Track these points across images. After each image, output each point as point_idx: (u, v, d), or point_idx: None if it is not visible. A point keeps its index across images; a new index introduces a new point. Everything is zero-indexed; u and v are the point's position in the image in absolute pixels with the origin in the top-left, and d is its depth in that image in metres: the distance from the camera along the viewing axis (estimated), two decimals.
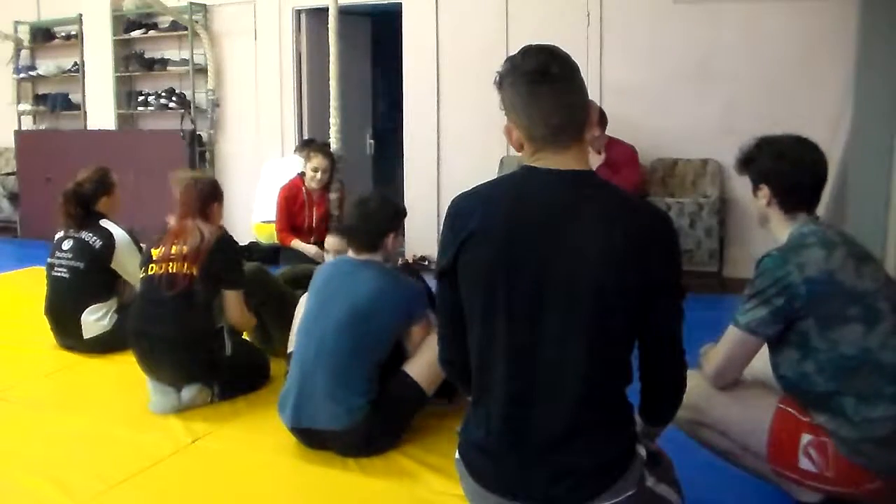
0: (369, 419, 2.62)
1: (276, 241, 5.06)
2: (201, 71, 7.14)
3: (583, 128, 1.63)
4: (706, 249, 5.11)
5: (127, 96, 7.63)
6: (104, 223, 3.88)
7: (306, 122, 6.91)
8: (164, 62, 7.44)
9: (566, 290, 1.54)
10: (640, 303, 1.55)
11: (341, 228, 3.48)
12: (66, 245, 3.85)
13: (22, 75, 8.08)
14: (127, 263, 3.78)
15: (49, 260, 3.91)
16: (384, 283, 2.74)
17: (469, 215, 1.62)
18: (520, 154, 1.66)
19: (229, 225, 4.21)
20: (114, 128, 7.55)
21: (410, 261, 3.29)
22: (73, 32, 7.86)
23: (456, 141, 6.19)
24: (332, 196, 4.98)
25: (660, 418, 1.75)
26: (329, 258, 3.95)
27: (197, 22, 7.05)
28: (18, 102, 8.10)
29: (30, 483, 2.56)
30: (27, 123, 8.17)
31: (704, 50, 5.36)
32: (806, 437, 2.07)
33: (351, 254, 2.86)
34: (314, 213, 4.97)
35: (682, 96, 5.43)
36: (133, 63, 7.55)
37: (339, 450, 2.68)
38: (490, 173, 4.69)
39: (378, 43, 7.40)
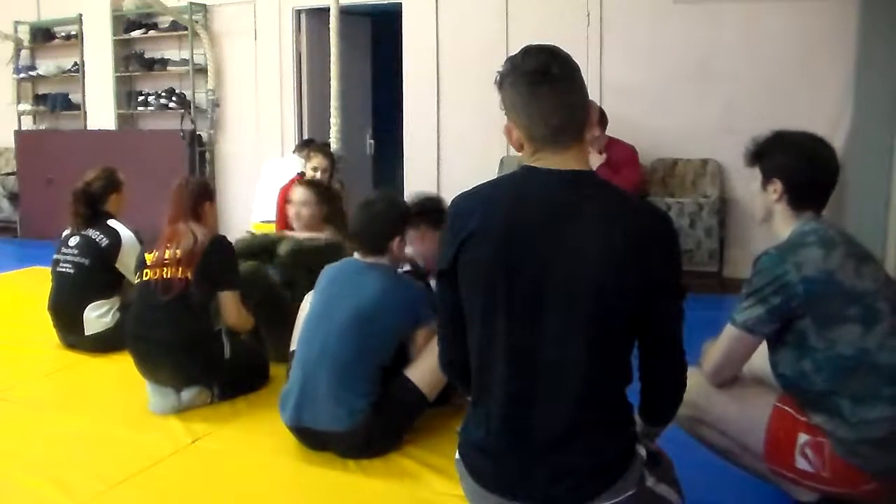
0: (370, 421, 2.61)
1: None
2: (201, 71, 7.14)
3: (583, 128, 1.63)
4: (706, 249, 5.11)
5: (127, 96, 7.63)
6: (112, 223, 3.93)
7: (306, 122, 6.91)
8: (164, 62, 7.44)
9: (566, 289, 1.54)
10: (640, 303, 1.55)
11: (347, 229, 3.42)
12: (73, 241, 3.89)
13: (22, 75, 8.08)
14: (131, 264, 3.78)
15: (55, 256, 3.94)
16: (389, 285, 2.72)
17: (469, 215, 1.62)
18: (520, 154, 1.66)
19: (229, 225, 4.24)
20: (114, 128, 7.56)
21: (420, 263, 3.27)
22: (73, 32, 7.87)
23: (456, 141, 6.20)
24: None
25: (660, 418, 1.75)
26: (295, 225, 3.93)
27: (197, 22, 7.05)
28: (18, 102, 8.10)
29: (30, 483, 2.55)
30: (27, 123, 8.17)
31: (704, 50, 5.36)
32: (803, 437, 2.07)
33: (357, 255, 2.84)
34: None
35: (682, 96, 5.43)
36: (133, 63, 7.56)
37: (338, 451, 2.67)
38: (490, 173, 4.69)
39: (378, 43, 7.40)
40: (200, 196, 3.24)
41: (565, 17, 5.65)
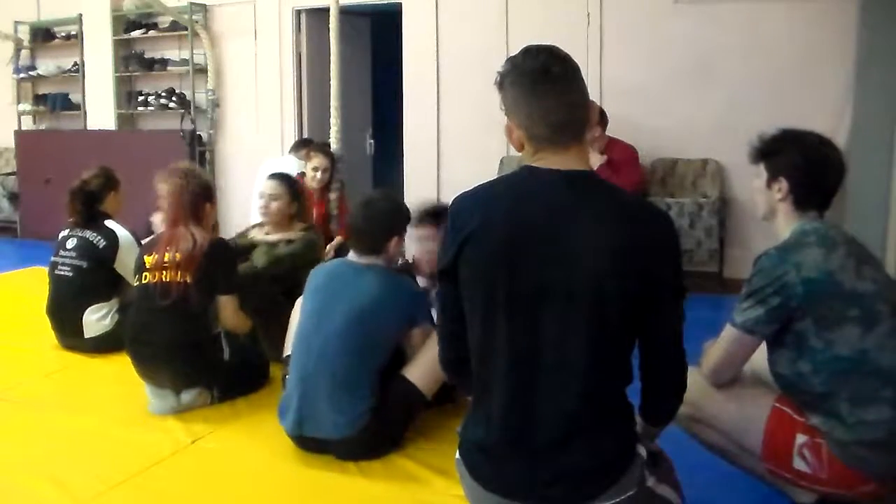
0: (371, 425, 2.59)
1: None
2: (201, 71, 7.14)
3: (583, 128, 1.63)
4: (706, 249, 5.11)
5: (127, 96, 7.63)
6: (109, 223, 3.91)
7: (306, 122, 6.91)
8: (164, 62, 7.44)
9: (566, 290, 1.54)
10: (640, 303, 1.55)
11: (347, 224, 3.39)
12: (70, 244, 3.86)
13: (22, 75, 8.08)
14: (130, 264, 3.77)
15: (52, 259, 3.92)
16: (387, 286, 2.71)
17: (469, 215, 1.62)
18: (520, 154, 1.66)
19: (228, 225, 4.23)
20: (114, 128, 7.55)
21: (410, 261, 3.25)
22: (73, 32, 7.86)
23: (456, 141, 6.20)
24: (332, 196, 4.97)
25: (660, 418, 1.75)
26: (263, 218, 3.79)
27: (197, 22, 7.05)
28: (18, 102, 8.10)
29: (30, 483, 2.55)
30: (27, 123, 8.17)
31: (704, 50, 5.36)
32: (801, 438, 2.06)
33: (352, 255, 2.83)
34: (314, 214, 4.96)
35: (682, 96, 5.43)
36: (133, 63, 7.55)
37: (340, 455, 2.65)
38: (490, 173, 4.69)
39: (378, 43, 7.40)
40: (200, 198, 3.20)
41: (565, 17, 5.65)
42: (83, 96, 7.83)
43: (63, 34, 8.03)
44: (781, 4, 5.17)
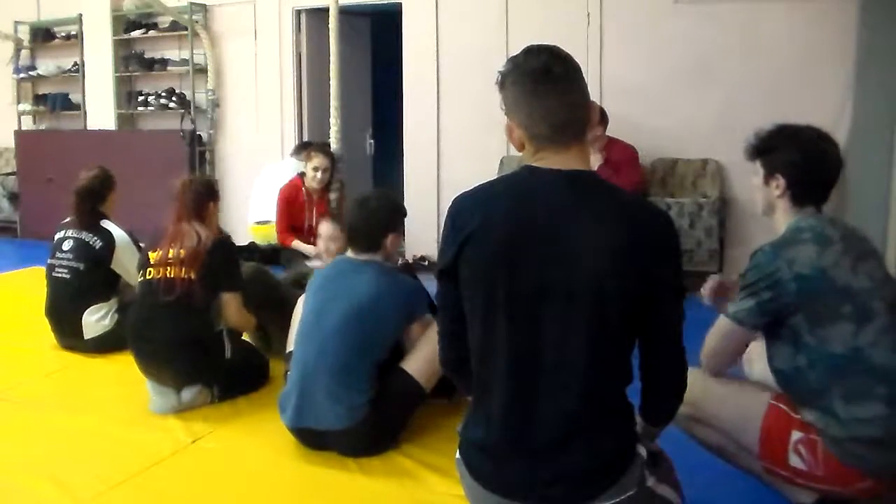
0: (370, 417, 2.62)
1: (273, 242, 5.05)
2: (201, 71, 7.14)
3: (584, 127, 1.63)
4: (706, 249, 5.10)
5: (127, 96, 7.63)
6: (105, 224, 3.90)
7: (306, 122, 6.91)
8: (164, 62, 7.44)
9: (566, 289, 1.54)
10: (640, 303, 1.55)
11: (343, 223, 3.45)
12: (67, 245, 3.85)
13: (22, 75, 8.07)
14: (127, 264, 3.78)
15: (49, 261, 3.91)
16: (385, 283, 2.74)
17: (470, 215, 1.62)
18: (520, 154, 1.66)
19: (228, 225, 4.23)
20: (114, 128, 7.55)
21: (410, 261, 3.27)
22: (73, 32, 7.86)
23: (456, 141, 6.19)
24: (332, 196, 4.97)
25: (660, 418, 1.75)
26: (324, 258, 3.93)
27: (197, 22, 7.05)
28: (18, 102, 8.10)
29: (30, 483, 2.56)
30: (27, 123, 8.17)
31: (704, 50, 5.36)
32: (796, 435, 2.06)
33: (350, 253, 2.85)
34: (314, 214, 4.96)
35: (682, 96, 5.43)
36: (133, 63, 7.55)
37: (339, 449, 2.67)
38: (490, 173, 4.69)
39: (378, 43, 7.40)
40: (205, 196, 3.24)
41: (565, 17, 5.65)
42: (83, 96, 7.82)
43: (63, 34, 8.02)
44: (781, 4, 5.17)
